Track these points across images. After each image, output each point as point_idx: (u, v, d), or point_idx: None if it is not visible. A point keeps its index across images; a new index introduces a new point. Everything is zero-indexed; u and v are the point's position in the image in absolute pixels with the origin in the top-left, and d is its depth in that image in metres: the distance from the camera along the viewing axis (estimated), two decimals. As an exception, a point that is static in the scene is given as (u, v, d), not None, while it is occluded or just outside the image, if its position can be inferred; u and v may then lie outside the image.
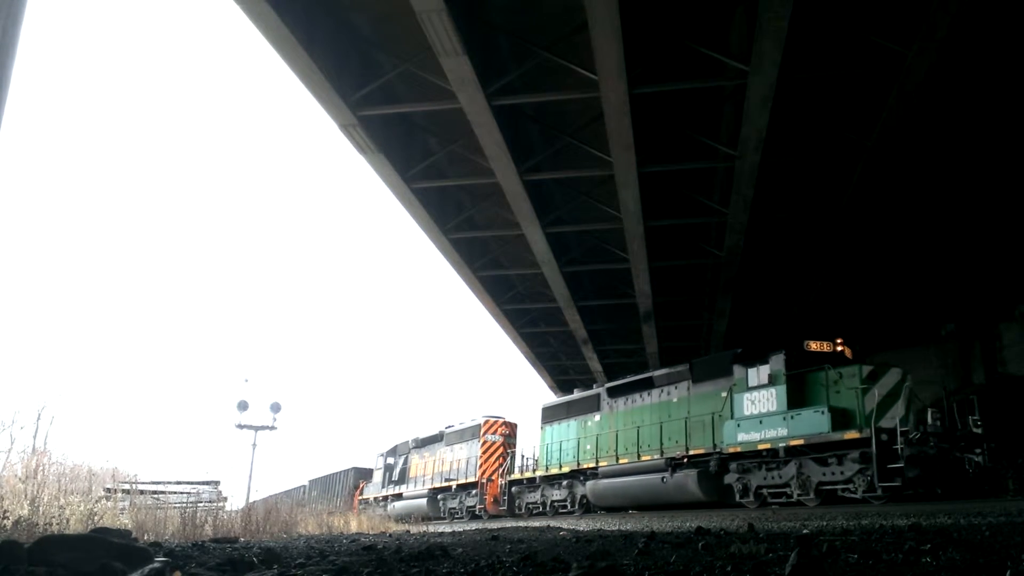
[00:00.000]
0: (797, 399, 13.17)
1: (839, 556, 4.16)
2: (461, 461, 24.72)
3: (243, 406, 35.48)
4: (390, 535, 11.77)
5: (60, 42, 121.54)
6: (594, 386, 20.51)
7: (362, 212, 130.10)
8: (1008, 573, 3.22)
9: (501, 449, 23.64)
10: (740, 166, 13.62)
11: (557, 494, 20.13)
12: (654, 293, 20.27)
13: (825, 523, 8.42)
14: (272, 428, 36.09)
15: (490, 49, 12.07)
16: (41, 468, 8.19)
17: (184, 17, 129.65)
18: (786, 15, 9.56)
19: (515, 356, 32.98)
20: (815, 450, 12.68)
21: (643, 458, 16.67)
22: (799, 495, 13.06)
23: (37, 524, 7.05)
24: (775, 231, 18.01)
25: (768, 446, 13.29)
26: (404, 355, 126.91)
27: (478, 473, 23.34)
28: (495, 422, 24.20)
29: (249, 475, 34.47)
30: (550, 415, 21.50)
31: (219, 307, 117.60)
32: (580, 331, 23.99)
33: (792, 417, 13.00)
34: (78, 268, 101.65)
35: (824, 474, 12.59)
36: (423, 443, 28.15)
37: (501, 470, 23.08)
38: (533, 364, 31.23)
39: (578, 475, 19.22)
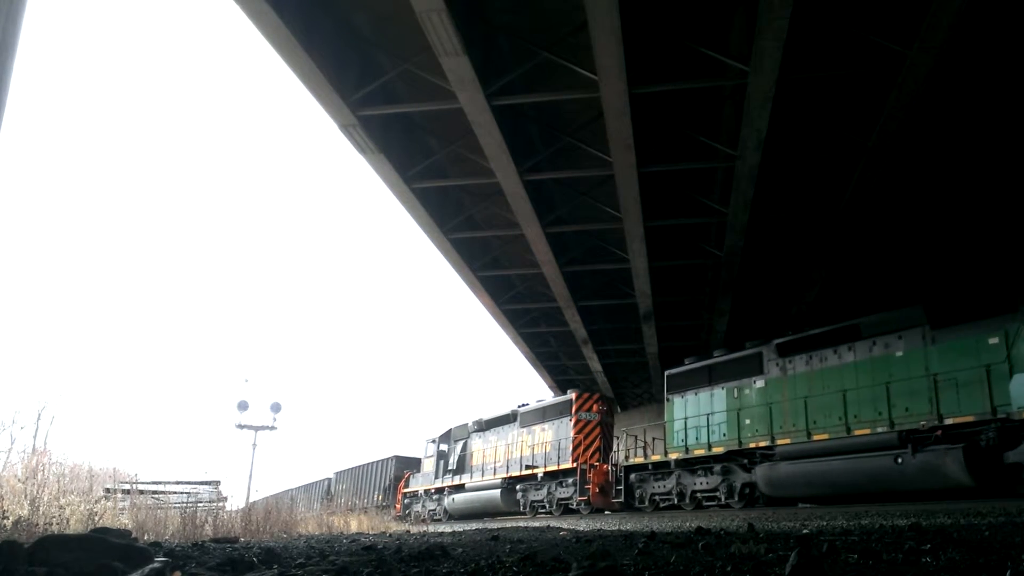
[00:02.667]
0: None
1: (839, 556, 4.16)
2: (546, 445, 20.82)
3: (243, 406, 35.53)
4: (390, 535, 11.78)
5: (60, 42, 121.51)
6: (747, 345, 16.27)
7: (362, 212, 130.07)
8: (1008, 573, 3.22)
9: (598, 430, 19.79)
10: (740, 166, 13.61)
11: (703, 482, 15.97)
12: (654, 293, 20.27)
13: (825, 523, 8.43)
14: (272, 428, 36.15)
15: (490, 49, 12.07)
16: (41, 468, 8.21)
17: (184, 17, 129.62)
18: (786, 15, 9.56)
19: (515, 356, 32.88)
20: None
21: (856, 432, 12.85)
22: None
23: (37, 524, 7.06)
24: (775, 231, 18.01)
25: None
26: (404, 355, 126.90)
27: (571, 458, 19.49)
28: (590, 397, 20.48)
29: (249, 475, 34.46)
30: (680, 383, 17.60)
31: (219, 307, 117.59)
32: (580, 331, 23.98)
33: None
34: (78, 268, 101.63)
35: None
36: (488, 425, 24.32)
37: (601, 454, 19.50)
38: (533, 364, 31.22)
39: (738, 458, 15.23)
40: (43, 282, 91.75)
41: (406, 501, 29.40)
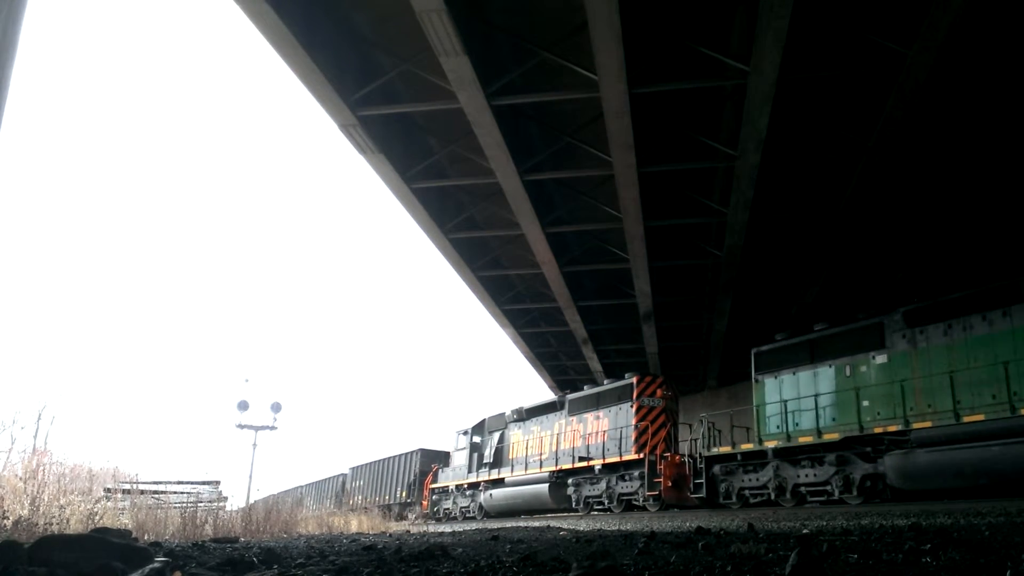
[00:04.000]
0: None
1: (839, 556, 4.16)
2: (601, 434, 18.71)
3: (243, 406, 35.54)
4: (390, 535, 11.78)
5: (60, 42, 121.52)
6: (860, 316, 14.27)
7: (362, 212, 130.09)
8: (1008, 573, 3.22)
9: (663, 416, 17.66)
10: (740, 166, 13.62)
11: (809, 474, 13.76)
12: (654, 293, 20.27)
13: (825, 523, 8.43)
14: (272, 428, 36.14)
15: (490, 49, 12.07)
16: (41, 468, 8.20)
17: (184, 17, 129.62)
18: (786, 15, 9.56)
19: (515, 356, 32.81)
20: None
21: None
22: None
23: (37, 524, 7.06)
24: (775, 231, 18.01)
25: None
26: (404, 355, 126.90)
27: (633, 448, 17.38)
28: (653, 381, 18.35)
29: (249, 475, 34.45)
30: (772, 362, 15.59)
31: (219, 307, 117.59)
32: (580, 331, 23.99)
33: None
34: (79, 268, 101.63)
35: None
36: (529, 414, 22.43)
37: (667, 444, 17.43)
38: (533, 364, 31.22)
39: (856, 445, 13.06)
40: (43, 282, 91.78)
41: (434, 498, 27.30)
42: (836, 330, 14.57)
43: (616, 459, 17.68)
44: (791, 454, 14.26)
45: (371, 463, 33.78)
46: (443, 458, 28.23)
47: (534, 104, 13.65)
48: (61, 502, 7.95)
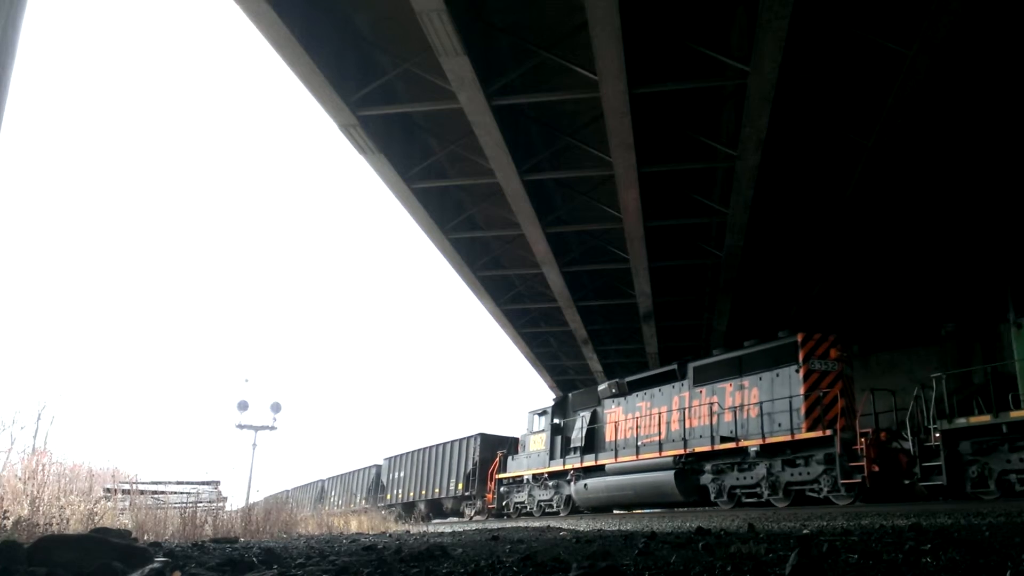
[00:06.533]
0: None
1: (839, 556, 4.16)
2: (752, 408, 14.88)
3: (243, 406, 35.65)
4: (390, 535, 11.78)
5: (60, 42, 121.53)
6: None
7: (363, 212, 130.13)
8: (1008, 573, 3.22)
9: (840, 384, 13.86)
10: (740, 166, 13.62)
11: None
12: (654, 293, 20.27)
13: (825, 523, 8.42)
14: (272, 428, 36.20)
15: (490, 49, 12.07)
16: (41, 468, 8.21)
17: (184, 17, 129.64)
18: (786, 15, 9.56)
19: (515, 356, 32.69)
20: None
21: None
22: None
23: (37, 524, 7.06)
24: (775, 231, 18.01)
25: None
26: (404, 355, 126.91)
27: (805, 424, 13.55)
28: (825, 339, 14.25)
29: (249, 475, 34.47)
30: None
31: (219, 307, 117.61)
32: (580, 331, 23.99)
33: None
34: (79, 268, 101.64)
35: None
36: (634, 387, 18.69)
37: (848, 419, 13.29)
38: (533, 364, 31.23)
39: None
40: (43, 282, 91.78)
41: (502, 490, 23.03)
42: None
43: (785, 438, 13.79)
44: None
45: (414, 452, 29.49)
46: (506, 444, 24.52)
47: (534, 104, 13.65)
48: (61, 502, 7.96)
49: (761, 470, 14.36)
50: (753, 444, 14.36)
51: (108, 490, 10.57)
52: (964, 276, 19.21)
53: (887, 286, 20.64)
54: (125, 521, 9.03)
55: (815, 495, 13.34)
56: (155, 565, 4.03)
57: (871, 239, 18.22)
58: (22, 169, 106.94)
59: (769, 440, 14.07)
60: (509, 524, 16.59)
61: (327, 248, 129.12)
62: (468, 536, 9.70)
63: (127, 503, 10.20)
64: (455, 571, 4.22)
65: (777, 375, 14.63)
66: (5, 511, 7.19)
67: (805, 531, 6.88)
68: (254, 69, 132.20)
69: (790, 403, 13.98)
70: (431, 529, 17.15)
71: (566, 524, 13.84)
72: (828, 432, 12.99)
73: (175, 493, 15.31)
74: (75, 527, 7.62)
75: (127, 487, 11.19)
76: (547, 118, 14.39)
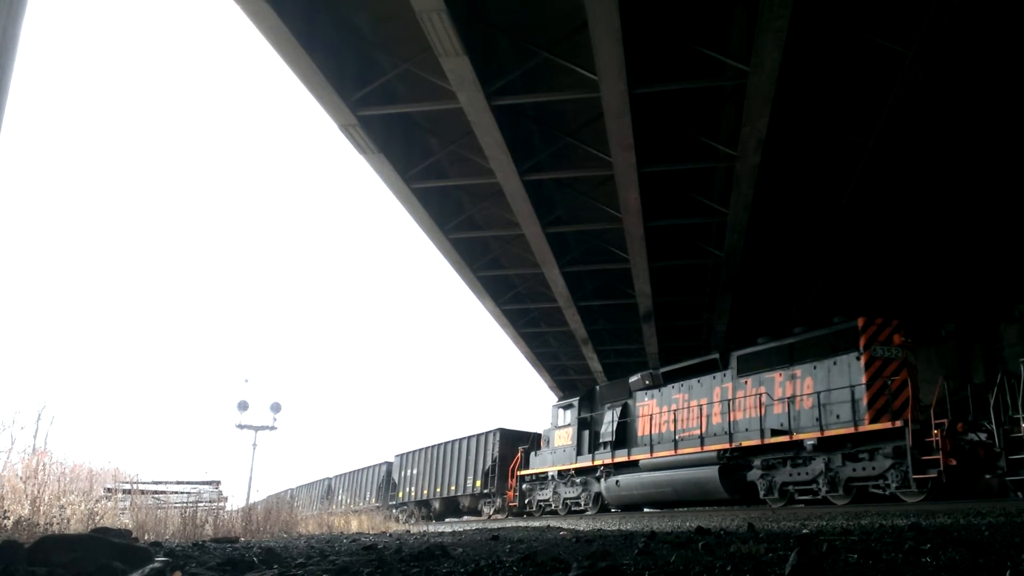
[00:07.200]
0: None
1: (839, 556, 4.16)
2: (806, 399, 14.00)
3: (243, 406, 35.67)
4: (390, 535, 11.78)
5: (60, 42, 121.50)
6: None
7: (363, 212, 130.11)
8: (1008, 573, 3.22)
9: (905, 373, 12.84)
10: (740, 166, 13.62)
11: None
12: (654, 293, 20.26)
13: (825, 523, 8.43)
14: (272, 428, 36.22)
15: (490, 49, 12.07)
16: (41, 468, 8.21)
17: (184, 17, 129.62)
18: (786, 15, 9.56)
19: (515, 356, 32.62)
20: None
21: None
22: None
23: (37, 524, 7.06)
24: (775, 231, 18.01)
25: None
26: (404, 355, 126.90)
27: (867, 416, 12.67)
28: (887, 324, 13.36)
29: (249, 475, 34.47)
30: None
31: (219, 307, 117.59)
32: (580, 331, 23.98)
33: None
34: (79, 268, 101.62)
35: None
36: (669, 378, 17.82)
37: (914, 410, 12.25)
38: (533, 364, 31.23)
39: None
40: (44, 282, 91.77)
41: (524, 487, 22.15)
42: None
43: (847, 430, 12.84)
44: None
45: (428, 448, 28.64)
46: (527, 439, 23.61)
47: (534, 104, 13.65)
48: (61, 502, 7.96)
49: (818, 465, 13.42)
50: (810, 437, 13.48)
51: (109, 490, 10.57)
52: (964, 276, 19.22)
53: (887, 286, 20.64)
54: (125, 521, 9.04)
55: (880, 492, 12.47)
56: (155, 565, 4.03)
57: (871, 239, 18.22)
58: (22, 169, 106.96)
59: (828, 433, 13.13)
60: (509, 524, 16.59)
61: (327, 248, 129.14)
62: (468, 536, 9.70)
63: (127, 503, 10.19)
64: (455, 571, 4.22)
65: (835, 363, 13.70)
66: (5, 511, 7.19)
67: (805, 531, 6.88)
68: (254, 69, 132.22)
69: (852, 393, 13.02)
70: (431, 529, 17.16)
71: (566, 524, 13.85)
72: (898, 423, 12.06)
73: (175, 493, 15.30)
74: (75, 527, 7.63)
75: (127, 487, 11.20)
76: (547, 118, 14.39)
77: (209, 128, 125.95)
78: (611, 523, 12.65)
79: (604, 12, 9.59)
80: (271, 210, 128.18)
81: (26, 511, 7.31)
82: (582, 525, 12.76)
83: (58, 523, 7.47)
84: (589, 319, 23.58)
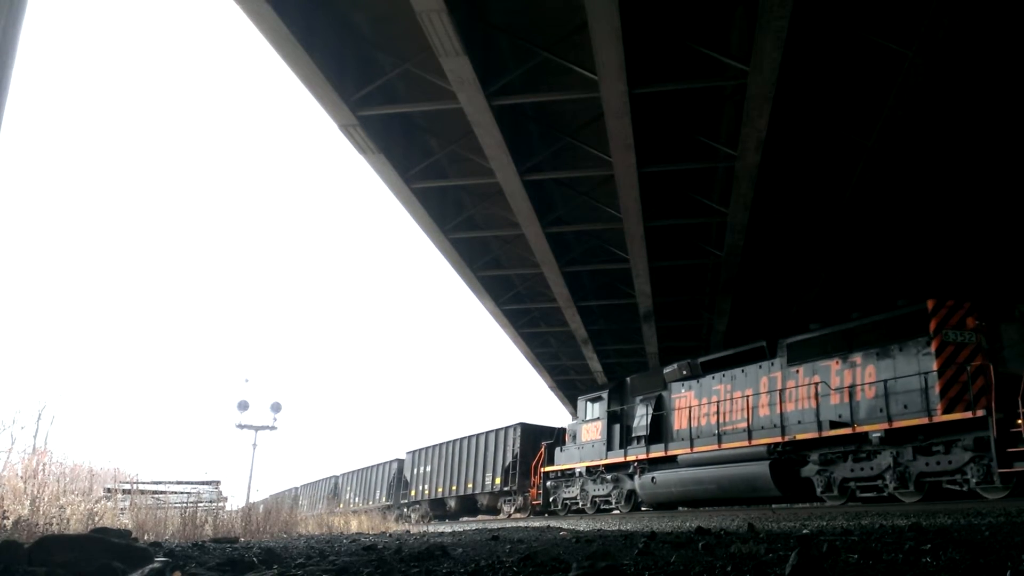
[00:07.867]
0: None
1: (839, 556, 4.16)
2: (868, 388, 12.84)
3: (243, 406, 35.62)
4: (390, 535, 11.78)
5: (60, 42, 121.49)
6: None
7: (363, 213, 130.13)
8: (1008, 573, 3.22)
9: (980, 359, 11.75)
10: (740, 166, 13.62)
11: None
12: (654, 293, 20.27)
13: (825, 523, 8.42)
14: (272, 428, 36.18)
15: (490, 49, 12.07)
16: (41, 468, 8.21)
17: (184, 17, 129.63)
18: (786, 15, 9.57)
19: (515, 356, 32.59)
20: None
21: None
22: None
23: (37, 524, 7.05)
24: (775, 231, 18.01)
25: None
26: (408, 354, 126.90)
27: (940, 406, 11.57)
28: (959, 308, 12.23)
29: (249, 475, 34.43)
30: None
31: (219, 307, 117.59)
32: (580, 331, 23.98)
33: None
34: (79, 268, 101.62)
35: None
36: (709, 368, 16.57)
37: (987, 399, 11.09)
38: (533, 364, 31.23)
39: None
40: (44, 282, 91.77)
41: (548, 484, 20.99)
42: None
43: (920, 421, 11.75)
44: None
45: (443, 444, 27.39)
46: (549, 434, 22.64)
47: (534, 104, 13.65)
48: (61, 502, 7.95)
49: (885, 459, 12.35)
50: (876, 429, 12.39)
51: (108, 490, 10.56)
52: (964, 276, 19.21)
53: (887, 286, 20.63)
54: (125, 521, 9.03)
55: (957, 487, 11.46)
56: (155, 565, 4.03)
57: (871, 238, 18.23)
58: (23, 169, 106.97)
59: (897, 424, 12.08)
60: (509, 524, 16.59)
61: (327, 248, 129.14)
62: (468, 536, 9.70)
63: (127, 503, 10.19)
64: (455, 571, 4.22)
65: (900, 349, 12.62)
66: (5, 511, 7.19)
67: (805, 531, 6.88)
68: (254, 69, 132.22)
69: (924, 380, 11.93)
70: (431, 529, 17.16)
71: (566, 524, 13.85)
72: (980, 413, 11.00)
73: (175, 493, 15.29)
74: (75, 527, 7.62)
75: (127, 487, 11.19)
76: (547, 118, 14.39)
77: (209, 128, 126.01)
78: (611, 523, 12.65)
79: (604, 12, 9.59)
80: (271, 210, 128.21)
81: (26, 511, 7.31)
82: (582, 525, 12.77)
83: (58, 523, 7.46)
84: (589, 319, 23.58)
